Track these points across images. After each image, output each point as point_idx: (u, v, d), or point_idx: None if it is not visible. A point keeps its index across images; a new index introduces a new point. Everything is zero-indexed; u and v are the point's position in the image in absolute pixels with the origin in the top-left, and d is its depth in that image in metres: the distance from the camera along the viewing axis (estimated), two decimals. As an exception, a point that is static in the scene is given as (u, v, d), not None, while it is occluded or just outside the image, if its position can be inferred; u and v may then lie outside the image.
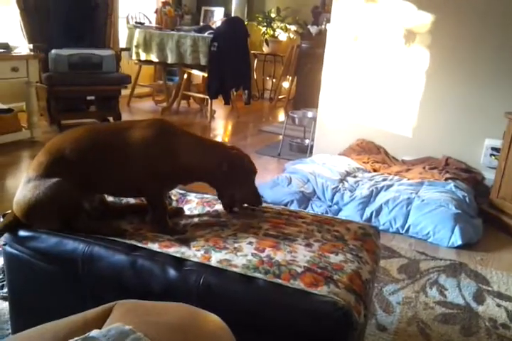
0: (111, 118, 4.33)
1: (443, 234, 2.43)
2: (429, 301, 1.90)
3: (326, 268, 1.08)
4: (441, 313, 1.82)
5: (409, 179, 2.91)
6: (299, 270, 1.07)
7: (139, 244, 1.18)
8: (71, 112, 4.19)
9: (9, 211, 1.32)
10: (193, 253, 1.14)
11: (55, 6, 4.00)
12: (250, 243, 1.18)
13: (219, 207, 1.44)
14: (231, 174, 1.32)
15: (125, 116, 4.60)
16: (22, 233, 1.27)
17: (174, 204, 1.51)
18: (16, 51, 3.49)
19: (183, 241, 1.23)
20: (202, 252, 1.14)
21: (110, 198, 1.45)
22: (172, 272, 1.09)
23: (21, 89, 3.69)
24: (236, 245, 1.17)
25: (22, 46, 3.66)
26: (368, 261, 1.19)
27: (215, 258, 1.11)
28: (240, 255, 1.12)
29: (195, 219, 1.39)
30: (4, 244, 1.33)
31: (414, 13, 3.21)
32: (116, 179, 1.32)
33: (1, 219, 1.31)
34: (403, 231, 2.53)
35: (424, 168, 3.12)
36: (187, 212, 1.46)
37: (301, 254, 1.13)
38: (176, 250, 1.15)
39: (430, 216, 2.50)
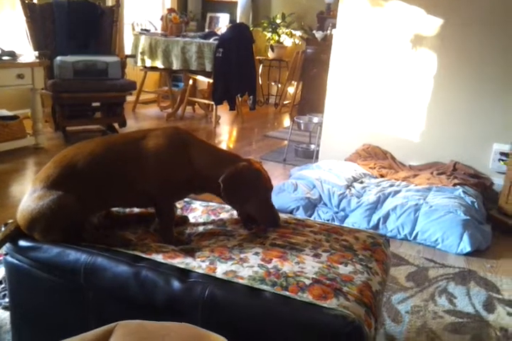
0: (116, 125, 4.33)
1: (452, 240, 2.39)
2: (439, 310, 1.86)
3: (335, 280, 1.05)
4: (451, 322, 1.78)
5: (416, 185, 2.88)
6: (307, 282, 1.03)
7: (143, 255, 1.16)
8: (76, 119, 4.18)
9: (11, 220, 1.30)
10: (198, 264, 1.11)
11: (60, 13, 4.02)
12: (256, 253, 1.15)
13: (224, 215, 1.42)
14: (233, 189, 1.26)
15: (130, 123, 4.60)
16: (23, 243, 1.25)
17: (179, 212, 1.48)
18: (21, 58, 3.49)
19: (188, 251, 1.20)
20: (207, 263, 1.11)
21: (115, 208, 1.43)
22: (176, 284, 1.06)
23: (26, 96, 3.70)
24: (242, 255, 1.14)
25: (27, 53, 3.66)
26: (377, 271, 1.16)
27: (221, 270, 1.08)
28: (246, 266, 1.09)
29: (200, 228, 1.37)
30: (5, 254, 1.31)
31: (421, 17, 3.18)
32: (129, 191, 1.30)
33: (3, 229, 1.29)
34: (411, 238, 2.49)
35: (431, 173, 3.08)
36: (192, 221, 1.43)
37: (309, 265, 1.10)
38: (180, 261, 1.13)
39: (438, 222, 2.46)
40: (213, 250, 1.18)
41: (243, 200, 1.29)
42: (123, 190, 1.30)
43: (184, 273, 1.09)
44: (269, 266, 1.10)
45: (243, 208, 1.32)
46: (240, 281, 1.04)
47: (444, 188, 2.80)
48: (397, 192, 2.70)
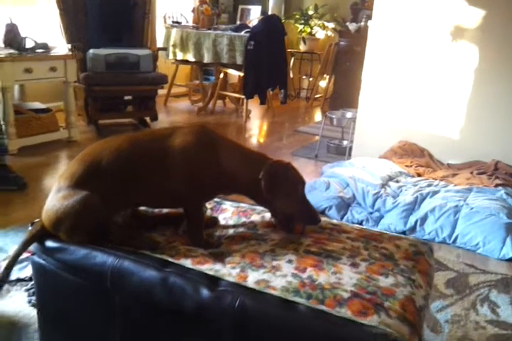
0: (147, 119, 4.32)
1: (493, 245, 2.27)
2: (480, 320, 1.75)
3: (375, 294, 0.97)
4: (494, 334, 1.68)
5: (456, 185, 2.75)
6: (346, 295, 0.96)
7: (171, 259, 1.10)
8: (108, 112, 4.18)
9: (38, 219, 1.27)
10: (228, 271, 1.05)
11: (93, 6, 4.01)
12: (290, 261, 1.08)
13: (255, 217, 1.35)
14: (274, 185, 1.21)
15: (162, 116, 4.58)
16: (50, 243, 1.21)
17: (209, 212, 1.43)
18: (54, 51, 3.49)
19: (218, 256, 1.14)
20: (237, 270, 1.05)
21: (142, 208, 1.38)
22: (205, 292, 1.00)
23: (59, 89, 3.71)
24: (274, 263, 1.07)
25: (60, 46, 3.67)
26: (421, 284, 1.08)
27: (252, 278, 1.02)
28: (278, 275, 1.02)
29: (231, 231, 1.31)
30: (33, 254, 1.28)
31: (462, 8, 3.03)
32: (156, 189, 1.25)
33: (30, 228, 1.26)
34: (450, 242, 2.37)
35: (471, 172, 2.94)
36: (222, 222, 1.37)
37: (347, 276, 1.03)
38: (209, 267, 1.07)
39: (480, 225, 2.33)
40: (244, 255, 1.12)
41: (282, 197, 1.24)
42: (150, 188, 1.25)
43: (213, 281, 1.03)
44: (304, 275, 1.02)
45: (281, 206, 1.25)
46: (273, 292, 0.97)
47: (485, 189, 2.67)
48: (435, 193, 2.58)
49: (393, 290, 1.00)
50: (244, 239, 1.24)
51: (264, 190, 1.21)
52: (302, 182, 1.28)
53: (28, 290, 1.75)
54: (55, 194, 1.20)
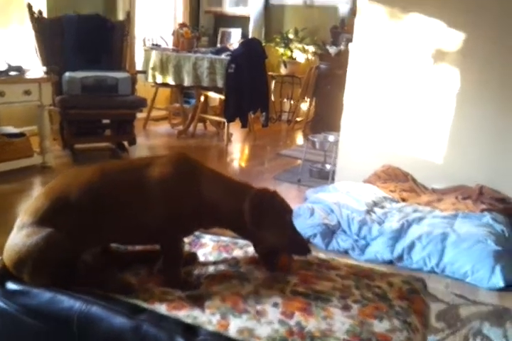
0: (126, 143, 4.21)
1: (482, 273, 2.20)
2: (475, 355, 1.67)
3: (370, 341, 0.89)
4: (490, 370, 1.59)
5: (442, 210, 2.69)
6: (338, 345, 0.87)
7: (144, 305, 1.00)
8: (85, 136, 4.06)
9: (-1, 258, 1.15)
10: (208, 318, 0.95)
11: (70, 28, 3.93)
12: (275, 304, 0.99)
13: (238, 252, 1.26)
14: (259, 215, 1.13)
15: (141, 140, 4.48)
16: (10, 286, 1.10)
17: (187, 247, 1.33)
18: (28, 74, 3.40)
19: (196, 299, 1.04)
20: (218, 317, 0.95)
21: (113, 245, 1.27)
22: (182, 343, 0.90)
23: (33, 113, 3.59)
24: (259, 307, 0.98)
25: (35, 69, 3.57)
26: (417, 327, 0.99)
27: (234, 326, 0.92)
28: (264, 322, 0.93)
29: (211, 269, 1.21)
30: (-9, 297, 1.16)
31: (443, 31, 3.03)
32: (130, 224, 1.16)
33: (-12, 269, 1.14)
34: (438, 270, 2.30)
35: (456, 197, 2.90)
36: (201, 258, 1.27)
37: (339, 321, 0.94)
38: (187, 313, 0.97)
39: (467, 253, 2.27)
40: (225, 299, 1.02)
41: (269, 228, 1.15)
42: (123, 223, 1.15)
43: (191, 330, 0.92)
44: (291, 322, 0.93)
45: (267, 238, 1.16)
46: (258, 343, 0.87)
47: (470, 214, 2.62)
48: (421, 219, 2.52)
49: (389, 337, 0.92)
50: (226, 278, 1.14)
51: (248, 221, 1.13)
52: (289, 211, 1.21)
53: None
54: (18, 231, 1.09)
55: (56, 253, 1.06)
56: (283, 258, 1.16)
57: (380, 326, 0.95)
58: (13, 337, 1.18)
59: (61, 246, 1.06)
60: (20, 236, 1.08)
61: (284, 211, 1.19)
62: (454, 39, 3.02)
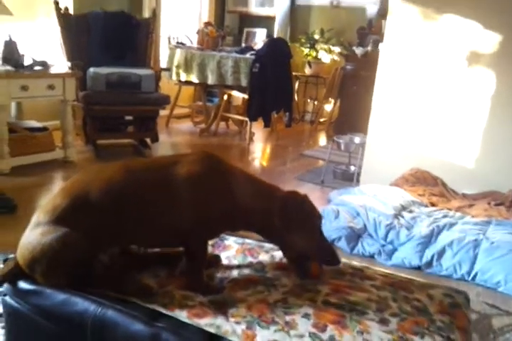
0: (148, 140, 4.17)
1: (517, 284, 2.08)
2: (510, 371, 1.56)
3: (411, 361, 0.80)
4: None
5: (473, 216, 2.57)
6: (377, 363, 0.78)
7: (164, 310, 0.93)
8: (108, 132, 4.04)
9: (12, 255, 1.10)
10: (232, 327, 0.87)
11: (96, 24, 3.92)
12: (306, 315, 0.91)
13: (264, 257, 1.18)
14: (290, 218, 1.07)
15: (163, 137, 4.44)
16: (23, 285, 1.04)
17: (209, 249, 1.25)
18: (53, 69, 3.38)
19: (219, 305, 0.96)
20: (243, 327, 0.87)
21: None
22: (204, 355, 0.83)
23: (57, 108, 3.58)
24: (288, 318, 0.90)
25: (60, 64, 3.56)
26: (462, 345, 0.90)
27: (261, 338, 0.84)
28: (293, 334, 0.85)
29: (235, 273, 1.13)
30: (4, 295, 1.10)
31: (478, 32, 2.91)
32: (153, 226, 1.09)
33: (1, 266, 1.09)
34: (469, 279, 2.19)
35: (489, 203, 2.77)
36: (224, 261, 1.20)
37: (376, 336, 0.85)
38: (209, 322, 0.89)
39: (501, 262, 2.16)
40: (251, 307, 0.94)
41: (299, 232, 1.09)
42: (146, 225, 1.08)
43: (214, 341, 0.85)
44: (324, 336, 0.85)
45: (297, 243, 1.10)
46: (287, 358, 0.79)
47: (504, 222, 2.49)
48: (452, 225, 2.40)
49: (432, 356, 0.83)
50: (251, 283, 1.06)
51: (278, 223, 1.07)
52: (319, 216, 1.14)
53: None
54: (33, 229, 1.03)
55: (71, 254, 1.00)
56: (314, 265, 1.08)
57: (421, 343, 0.86)
58: (26, 337, 1.13)
59: (77, 247, 0.99)
60: (35, 234, 1.02)
61: (313, 215, 1.12)
62: (489, 40, 2.90)
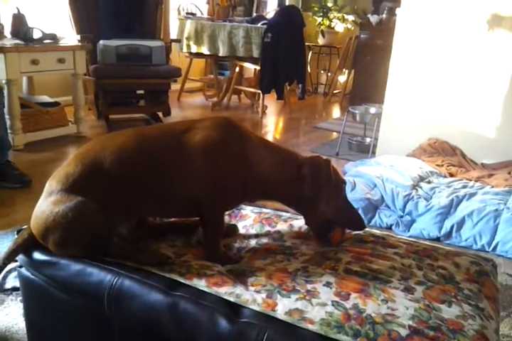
0: (160, 114, 4.13)
1: (539, 254, 2.04)
2: (533, 342, 1.53)
3: (439, 330, 0.77)
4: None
5: (493, 186, 2.51)
6: (403, 332, 0.75)
7: (182, 280, 0.90)
8: (120, 106, 4.00)
9: (25, 226, 1.08)
10: (252, 296, 0.85)
11: (104, -4, 3.84)
12: (328, 284, 0.88)
13: (282, 226, 1.15)
14: (314, 184, 1.03)
15: (175, 112, 4.39)
16: (38, 256, 1.02)
17: (226, 219, 1.22)
18: (62, 42, 3.32)
19: (238, 274, 0.94)
20: (263, 295, 0.85)
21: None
22: (224, 324, 0.80)
23: (68, 83, 3.54)
24: (309, 286, 0.87)
25: (69, 37, 3.50)
26: (491, 314, 0.86)
27: (283, 307, 0.81)
28: (315, 303, 0.82)
29: (252, 242, 1.10)
30: (20, 266, 1.09)
31: (501, -6, 2.78)
32: (168, 196, 1.05)
33: (16, 236, 1.07)
34: (489, 249, 2.14)
35: (509, 173, 2.70)
36: (241, 231, 1.17)
37: (402, 304, 0.82)
38: (229, 290, 0.86)
39: (523, 232, 2.10)
40: (271, 275, 0.91)
41: (326, 198, 1.06)
42: (161, 195, 1.04)
43: (234, 310, 0.82)
44: (347, 304, 0.82)
45: (323, 210, 1.07)
46: (310, 327, 0.77)
47: (526, 191, 2.43)
48: (472, 195, 2.35)
49: (461, 324, 0.79)
50: (270, 252, 1.03)
51: (307, 190, 1.03)
52: (343, 181, 1.10)
53: (23, 301, 1.57)
54: (46, 198, 1.01)
55: (86, 224, 0.97)
56: (336, 233, 1.05)
57: (449, 311, 0.82)
58: (43, 310, 1.12)
59: (92, 216, 0.97)
60: (47, 204, 0.99)
61: (338, 180, 1.08)
62: (511, 2, 2.76)
